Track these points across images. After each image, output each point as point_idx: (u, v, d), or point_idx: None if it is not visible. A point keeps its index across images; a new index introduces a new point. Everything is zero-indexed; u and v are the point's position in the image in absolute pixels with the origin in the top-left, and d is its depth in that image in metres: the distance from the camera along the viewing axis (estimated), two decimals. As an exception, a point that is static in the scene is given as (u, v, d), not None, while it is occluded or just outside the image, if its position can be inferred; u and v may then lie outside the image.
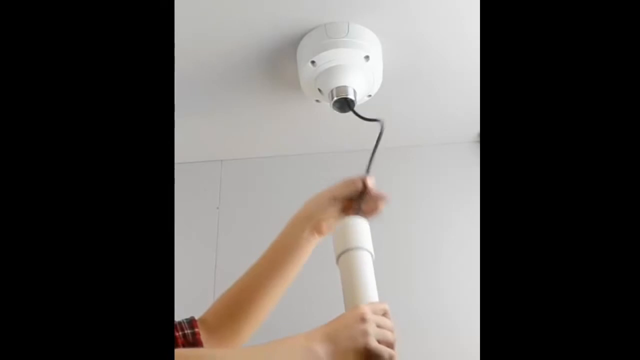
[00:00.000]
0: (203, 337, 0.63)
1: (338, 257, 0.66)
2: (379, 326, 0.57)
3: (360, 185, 0.69)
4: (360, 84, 0.83)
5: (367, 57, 0.80)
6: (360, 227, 0.67)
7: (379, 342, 0.56)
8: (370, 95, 0.88)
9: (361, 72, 0.82)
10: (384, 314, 0.60)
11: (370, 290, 0.64)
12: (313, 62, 0.80)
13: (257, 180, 1.20)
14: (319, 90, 0.85)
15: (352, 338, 0.55)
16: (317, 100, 0.90)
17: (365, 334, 0.55)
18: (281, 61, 0.87)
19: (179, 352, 0.50)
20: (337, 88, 0.81)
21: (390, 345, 0.58)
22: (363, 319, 0.56)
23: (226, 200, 1.18)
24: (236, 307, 0.68)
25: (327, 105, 0.84)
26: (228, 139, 1.15)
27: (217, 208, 1.18)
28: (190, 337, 0.55)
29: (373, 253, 0.67)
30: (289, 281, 0.70)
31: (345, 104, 0.81)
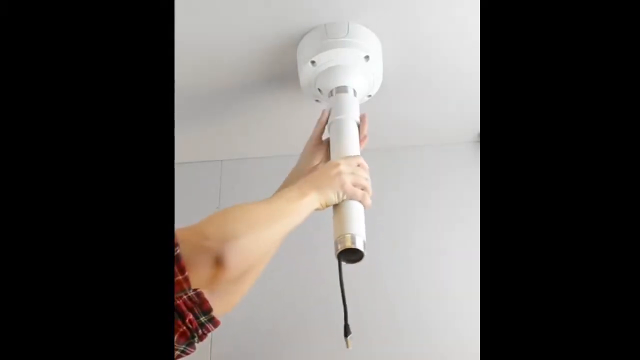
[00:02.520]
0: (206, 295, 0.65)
1: (329, 127, 0.80)
2: (352, 173, 0.70)
3: (326, 116, 0.80)
4: (360, 84, 0.83)
5: (367, 57, 0.80)
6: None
7: (354, 185, 0.69)
8: (370, 95, 0.88)
9: (361, 72, 0.82)
10: (359, 165, 0.72)
11: (351, 148, 0.75)
12: (313, 62, 0.80)
13: (257, 180, 1.20)
14: (319, 90, 0.85)
15: (330, 183, 0.68)
16: (317, 100, 0.90)
17: (339, 177, 0.69)
18: (281, 61, 0.87)
19: (195, 224, 0.58)
20: (337, 88, 0.81)
21: (364, 187, 0.70)
22: (337, 167, 0.70)
23: (226, 200, 1.18)
24: None
25: (327, 106, 0.84)
26: (228, 139, 1.15)
27: (217, 208, 1.18)
28: (195, 297, 0.57)
29: (358, 120, 0.79)
30: (291, 230, 0.73)
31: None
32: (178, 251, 0.51)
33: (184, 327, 0.58)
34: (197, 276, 0.53)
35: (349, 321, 0.67)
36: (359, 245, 0.65)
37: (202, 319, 0.61)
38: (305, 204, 0.67)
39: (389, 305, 1.06)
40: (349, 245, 0.65)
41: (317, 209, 0.68)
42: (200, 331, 0.62)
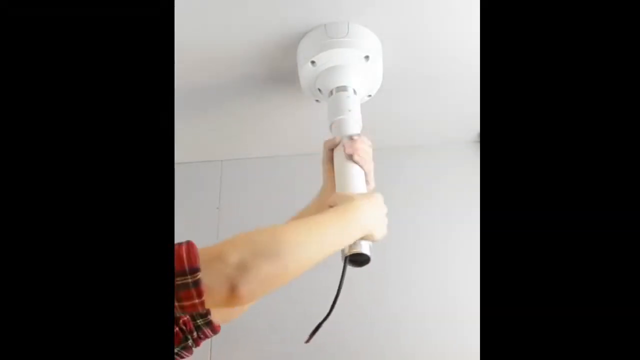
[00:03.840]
0: None
1: (330, 127, 0.80)
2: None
3: (337, 141, 0.77)
4: (360, 84, 0.83)
5: (367, 57, 0.80)
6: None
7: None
8: (370, 95, 0.88)
9: (361, 72, 0.82)
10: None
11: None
12: (313, 62, 0.80)
13: (257, 180, 1.20)
14: (319, 90, 0.85)
15: (381, 224, 0.68)
16: (317, 100, 0.89)
17: (385, 219, 0.69)
18: (281, 61, 0.87)
19: (212, 245, 0.55)
20: (337, 88, 0.81)
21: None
22: (383, 208, 0.70)
23: (226, 200, 1.18)
24: None
25: (327, 107, 0.84)
26: (228, 139, 1.15)
27: (217, 208, 1.18)
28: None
29: (359, 120, 0.80)
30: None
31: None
32: (199, 276, 0.50)
33: (176, 329, 0.58)
34: (212, 300, 0.52)
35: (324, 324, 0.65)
36: (366, 250, 0.66)
37: (199, 321, 0.61)
38: (349, 236, 0.64)
39: (388, 304, 1.06)
40: (360, 249, 0.65)
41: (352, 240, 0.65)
42: (195, 334, 0.61)
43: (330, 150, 0.77)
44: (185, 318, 0.60)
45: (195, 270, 0.50)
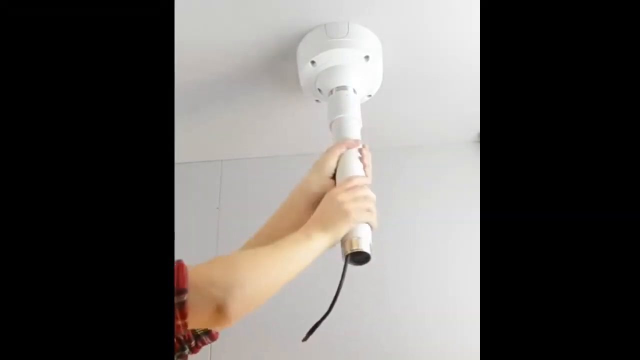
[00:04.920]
0: None
1: (330, 126, 0.79)
2: (354, 199, 0.67)
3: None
4: (360, 84, 0.83)
5: (367, 57, 0.80)
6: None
7: (359, 210, 0.67)
8: (370, 95, 0.88)
9: (361, 72, 0.82)
10: (356, 187, 0.69)
11: (353, 162, 0.74)
12: (313, 62, 0.80)
13: (257, 180, 1.20)
14: (319, 90, 0.85)
15: (335, 218, 0.65)
16: (317, 100, 0.89)
17: (342, 208, 0.66)
18: (281, 61, 0.87)
19: (200, 265, 0.56)
20: (337, 88, 0.81)
21: (368, 209, 0.68)
22: (336, 198, 0.67)
23: (226, 200, 1.18)
24: None
25: (326, 106, 0.84)
26: (228, 139, 1.15)
27: (217, 208, 1.18)
28: None
29: (360, 119, 0.79)
30: (299, 274, 0.71)
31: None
32: (184, 297, 0.51)
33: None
34: (197, 320, 0.53)
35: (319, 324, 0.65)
36: (367, 249, 0.66)
37: (198, 330, 0.61)
38: (314, 246, 0.64)
39: (388, 304, 1.06)
40: (360, 247, 0.65)
41: (329, 247, 0.66)
42: (193, 342, 0.61)
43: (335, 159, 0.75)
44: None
45: (182, 291, 0.51)
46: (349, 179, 0.71)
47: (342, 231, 0.65)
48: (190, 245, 1.12)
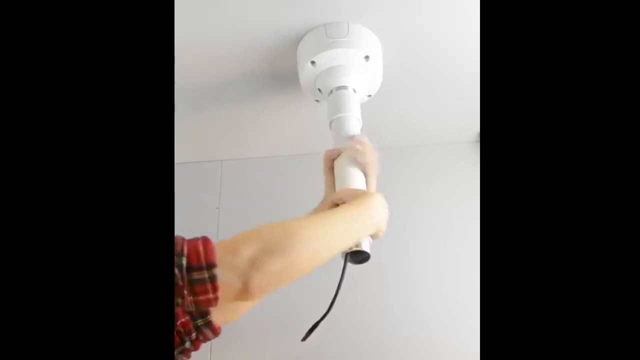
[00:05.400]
0: None
1: (330, 126, 0.80)
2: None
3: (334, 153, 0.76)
4: (360, 84, 0.83)
5: (367, 57, 0.80)
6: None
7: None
8: (370, 95, 0.88)
9: (361, 72, 0.82)
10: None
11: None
12: (313, 62, 0.80)
13: (257, 180, 1.20)
14: (319, 90, 0.85)
15: (384, 216, 0.67)
16: (317, 100, 0.90)
17: (385, 212, 0.67)
18: (281, 61, 0.87)
19: (240, 238, 0.55)
20: (337, 88, 0.81)
21: None
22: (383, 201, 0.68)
23: (226, 200, 1.18)
24: None
25: (326, 105, 0.84)
26: (228, 139, 1.15)
27: (217, 208, 1.18)
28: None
29: (360, 118, 0.80)
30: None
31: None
32: (215, 271, 0.50)
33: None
34: (225, 294, 0.52)
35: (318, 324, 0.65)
36: (367, 248, 0.66)
37: (199, 322, 0.60)
38: (360, 233, 0.64)
39: (387, 304, 1.06)
40: (360, 247, 0.65)
41: (368, 234, 0.66)
42: (194, 335, 0.61)
43: (331, 160, 0.76)
44: (184, 319, 0.59)
45: (211, 265, 0.51)
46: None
47: (380, 232, 0.67)
48: (190, 245, 1.12)
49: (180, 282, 0.49)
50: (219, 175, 1.21)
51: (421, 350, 1.01)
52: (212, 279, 0.50)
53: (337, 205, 0.69)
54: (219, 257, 0.51)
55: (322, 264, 0.59)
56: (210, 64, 0.88)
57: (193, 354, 0.63)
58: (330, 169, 0.76)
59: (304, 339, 0.64)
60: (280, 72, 0.90)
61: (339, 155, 0.75)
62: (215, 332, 0.63)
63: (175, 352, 0.60)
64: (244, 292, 0.53)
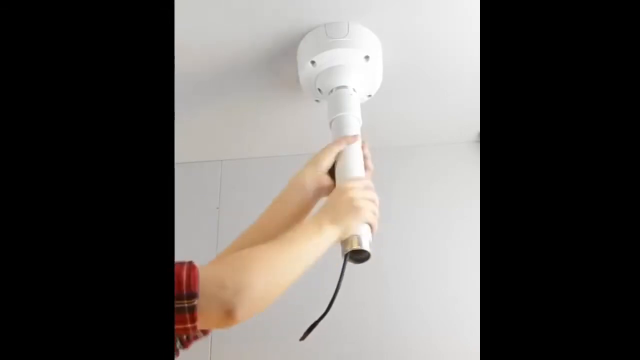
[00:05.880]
0: None
1: (330, 125, 0.80)
2: (364, 198, 0.67)
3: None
4: (360, 84, 0.83)
5: (367, 57, 0.80)
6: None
7: (369, 210, 0.67)
8: (370, 95, 0.88)
9: (361, 72, 0.82)
10: (366, 187, 0.69)
11: (355, 160, 0.74)
12: (313, 62, 0.80)
13: (257, 180, 1.20)
14: (319, 90, 0.85)
15: (347, 212, 0.66)
16: (317, 100, 0.89)
17: (354, 204, 0.66)
18: (281, 61, 0.87)
19: (209, 266, 0.56)
20: (337, 88, 0.81)
21: (374, 212, 0.68)
22: (347, 193, 0.67)
23: (226, 200, 1.18)
24: None
25: (326, 105, 0.84)
26: (228, 139, 1.15)
27: (217, 208, 1.18)
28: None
29: (360, 118, 0.79)
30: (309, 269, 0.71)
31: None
32: (195, 302, 0.50)
33: None
34: (206, 322, 0.52)
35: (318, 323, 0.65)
36: (367, 247, 0.66)
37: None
38: (325, 240, 0.64)
39: (388, 304, 1.06)
40: (360, 246, 0.65)
41: (336, 243, 0.66)
42: (185, 336, 0.61)
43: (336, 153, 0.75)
44: None
45: (192, 295, 0.50)
46: (359, 179, 0.71)
47: (351, 226, 0.65)
48: (190, 245, 1.12)
49: None
50: (219, 175, 1.21)
51: (421, 350, 1.01)
52: (191, 309, 0.50)
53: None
54: (203, 286, 0.51)
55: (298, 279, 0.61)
56: (210, 64, 0.88)
57: (193, 353, 0.63)
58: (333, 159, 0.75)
59: (302, 338, 0.65)
60: (280, 72, 0.90)
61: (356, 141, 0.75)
62: (206, 331, 0.63)
63: None
64: (229, 319, 0.53)
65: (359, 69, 0.81)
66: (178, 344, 0.61)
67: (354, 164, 0.74)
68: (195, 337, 0.62)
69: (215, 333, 0.64)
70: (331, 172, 0.75)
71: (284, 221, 0.72)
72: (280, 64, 0.88)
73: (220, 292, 0.53)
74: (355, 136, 0.76)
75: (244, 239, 0.72)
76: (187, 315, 0.50)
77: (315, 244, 0.63)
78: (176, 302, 0.50)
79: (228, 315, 0.53)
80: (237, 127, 1.09)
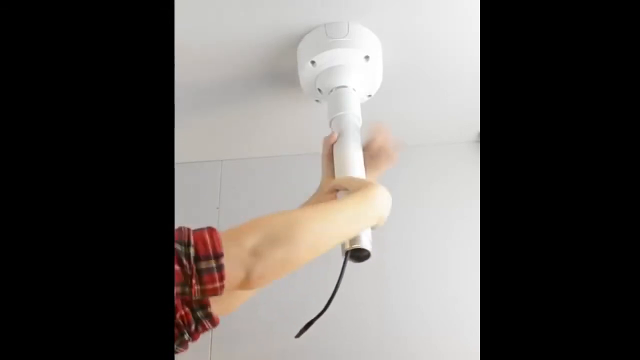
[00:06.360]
0: None
1: (330, 124, 0.80)
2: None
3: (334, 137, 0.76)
4: (360, 84, 0.83)
5: (367, 57, 0.80)
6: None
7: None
8: (370, 95, 0.88)
9: (361, 72, 0.82)
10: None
11: (353, 155, 0.75)
12: (313, 62, 0.80)
13: (257, 180, 1.20)
14: (319, 90, 0.85)
15: (387, 207, 0.67)
16: (317, 100, 0.90)
17: (390, 203, 0.68)
18: (281, 61, 0.87)
19: (245, 228, 0.57)
20: (337, 88, 0.81)
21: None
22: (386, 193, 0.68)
23: (226, 200, 1.18)
24: None
25: (326, 105, 0.84)
26: (228, 139, 1.15)
27: (217, 208, 1.18)
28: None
29: (359, 117, 0.80)
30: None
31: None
32: (222, 260, 0.51)
33: None
34: (229, 283, 0.53)
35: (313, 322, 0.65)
36: (367, 246, 0.66)
37: (199, 313, 0.60)
38: (362, 224, 0.65)
39: (387, 304, 1.06)
40: (360, 244, 0.65)
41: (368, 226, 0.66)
42: (193, 327, 0.61)
43: (330, 145, 0.77)
44: (183, 312, 0.59)
45: (218, 255, 0.52)
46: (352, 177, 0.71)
47: (381, 223, 0.67)
48: (190, 245, 1.12)
49: (188, 272, 0.50)
50: (219, 175, 1.21)
51: (421, 350, 1.01)
52: (220, 268, 0.51)
53: (336, 191, 0.70)
54: (226, 249, 0.53)
55: (323, 253, 0.60)
56: (210, 64, 0.88)
57: (193, 353, 0.63)
58: (329, 154, 0.77)
59: (297, 335, 0.65)
60: (280, 72, 0.90)
61: (335, 140, 0.76)
62: (215, 322, 0.63)
63: (175, 345, 0.60)
64: (246, 282, 0.54)
65: (359, 69, 0.81)
66: (186, 336, 0.61)
67: (346, 162, 0.74)
68: (204, 327, 0.62)
69: (215, 333, 0.64)
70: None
71: None
72: (280, 64, 0.88)
73: (238, 252, 0.54)
74: (331, 134, 0.77)
75: None
76: (216, 275, 0.51)
77: (348, 219, 0.63)
78: (205, 262, 0.51)
79: (247, 276, 0.54)
80: (237, 127, 1.09)
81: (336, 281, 0.64)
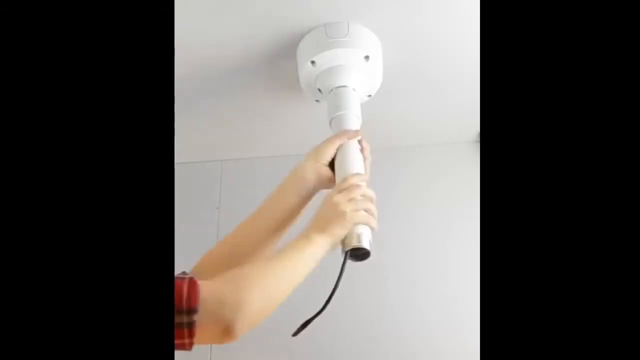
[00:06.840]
0: None
1: (330, 124, 0.80)
2: (350, 200, 0.66)
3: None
4: (360, 84, 0.83)
5: (367, 57, 0.80)
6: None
7: (355, 211, 0.66)
8: (370, 95, 0.88)
9: (361, 72, 0.82)
10: (353, 188, 0.68)
11: (353, 157, 0.74)
12: (313, 62, 0.80)
13: (257, 180, 1.20)
14: (319, 90, 0.85)
15: (332, 221, 0.65)
16: (317, 100, 0.89)
17: (337, 210, 0.65)
18: (281, 61, 0.87)
19: (208, 282, 0.56)
20: (337, 88, 0.81)
21: (366, 209, 0.67)
22: (331, 199, 0.66)
23: (226, 200, 1.18)
24: (236, 259, 0.72)
25: (326, 104, 0.84)
26: (228, 139, 1.15)
27: (217, 208, 1.18)
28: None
29: (359, 116, 0.79)
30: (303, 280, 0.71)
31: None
32: (194, 318, 0.51)
33: None
34: (204, 337, 0.53)
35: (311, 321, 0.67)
36: (366, 245, 0.66)
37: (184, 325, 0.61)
38: (316, 251, 0.64)
39: (387, 304, 1.06)
40: (360, 244, 0.65)
41: (330, 250, 0.66)
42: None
43: (346, 139, 0.76)
44: None
45: (192, 311, 0.51)
46: (345, 179, 0.70)
47: (339, 233, 0.65)
48: (190, 245, 1.12)
49: None
50: (219, 175, 1.21)
51: (421, 350, 1.01)
52: (190, 325, 0.51)
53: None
54: (202, 302, 0.52)
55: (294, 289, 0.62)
56: (210, 64, 0.88)
57: (193, 353, 0.63)
58: (337, 143, 0.75)
59: (294, 334, 0.65)
60: (280, 72, 0.90)
61: (360, 138, 0.76)
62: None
63: None
64: (227, 337, 0.55)
65: (359, 68, 0.81)
66: None
67: (353, 159, 0.74)
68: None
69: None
70: (332, 165, 0.75)
71: (283, 209, 0.73)
72: (280, 64, 0.88)
73: (220, 309, 0.54)
74: (356, 131, 0.76)
75: (246, 226, 0.77)
76: (185, 331, 0.51)
77: (307, 255, 0.64)
78: (176, 316, 0.50)
79: (226, 331, 0.54)
80: (237, 127, 1.09)
81: (336, 281, 0.64)
